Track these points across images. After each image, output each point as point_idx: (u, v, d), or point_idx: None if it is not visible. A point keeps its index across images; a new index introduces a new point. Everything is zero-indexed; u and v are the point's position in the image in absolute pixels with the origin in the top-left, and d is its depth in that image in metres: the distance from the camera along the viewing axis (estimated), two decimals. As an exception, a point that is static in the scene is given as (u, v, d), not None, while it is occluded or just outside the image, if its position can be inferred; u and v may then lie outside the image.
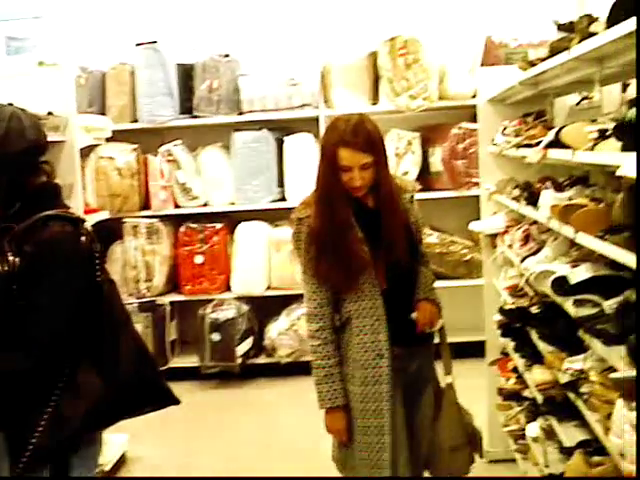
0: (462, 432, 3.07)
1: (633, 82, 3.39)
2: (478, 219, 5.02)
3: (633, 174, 2.00)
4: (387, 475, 2.88)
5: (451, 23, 6.42)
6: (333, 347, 2.93)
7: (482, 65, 5.96)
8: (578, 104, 3.89)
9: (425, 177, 6.43)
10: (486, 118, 4.82)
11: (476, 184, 5.92)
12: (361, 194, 2.89)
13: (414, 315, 2.97)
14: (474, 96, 5.89)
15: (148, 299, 6.33)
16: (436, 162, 6.42)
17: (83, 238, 2.38)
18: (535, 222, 3.81)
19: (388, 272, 2.91)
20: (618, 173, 2.11)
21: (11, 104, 2.48)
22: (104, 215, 5.21)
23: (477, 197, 5.25)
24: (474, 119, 5.58)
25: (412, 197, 3.08)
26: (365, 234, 2.88)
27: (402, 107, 6.17)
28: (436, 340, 3.14)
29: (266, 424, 5.47)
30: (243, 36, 6.64)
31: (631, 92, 3.35)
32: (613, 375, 2.21)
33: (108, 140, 5.79)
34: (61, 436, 2.32)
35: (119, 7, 6.79)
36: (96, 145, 5.85)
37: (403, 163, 6.28)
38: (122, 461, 4.80)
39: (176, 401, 2.66)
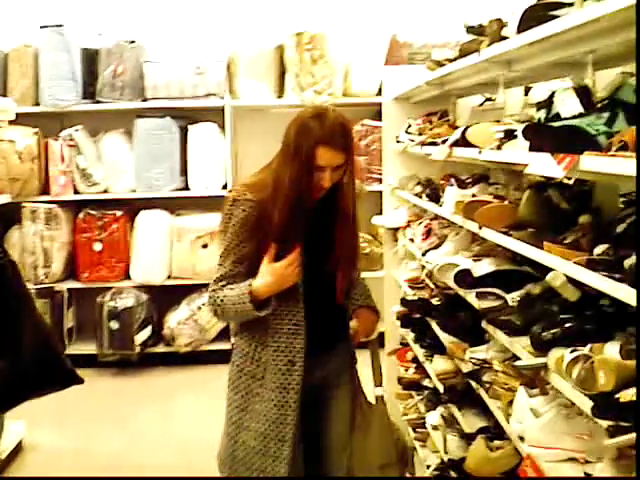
0: (393, 449, 2.83)
1: (535, 86, 3.56)
2: (378, 214, 5.14)
3: (539, 172, 2.12)
4: None
5: (358, 20, 6.50)
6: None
7: (386, 64, 6.10)
8: (481, 105, 4.03)
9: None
10: (391, 116, 4.96)
11: (377, 180, 6.06)
12: (320, 196, 2.61)
13: (353, 323, 2.80)
14: (377, 94, 6.03)
15: (46, 285, 6.20)
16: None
17: None
18: (436, 217, 3.93)
19: (311, 276, 2.65)
20: (526, 171, 2.23)
21: None
22: (3, 199, 5.08)
23: (378, 193, 5.38)
24: (377, 117, 5.71)
25: None
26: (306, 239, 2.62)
27: (307, 102, 6.22)
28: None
29: (164, 412, 5.46)
30: (150, 22, 6.55)
31: (534, 95, 3.52)
32: (518, 363, 2.33)
33: (10, 123, 5.64)
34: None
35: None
36: (-4, 128, 5.70)
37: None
38: (19, 449, 4.70)
39: (80, 380, 2.65)
